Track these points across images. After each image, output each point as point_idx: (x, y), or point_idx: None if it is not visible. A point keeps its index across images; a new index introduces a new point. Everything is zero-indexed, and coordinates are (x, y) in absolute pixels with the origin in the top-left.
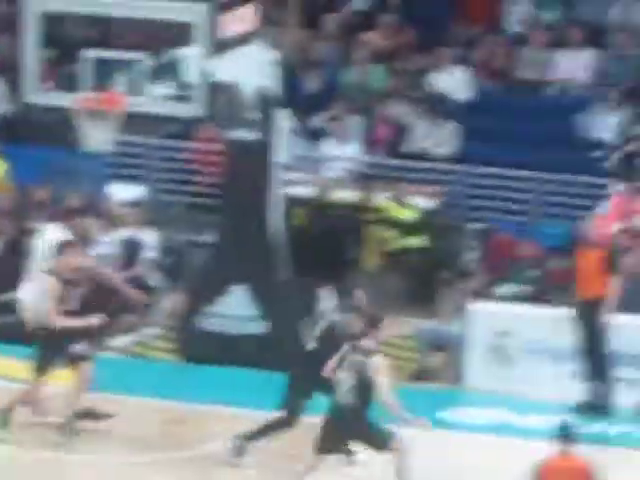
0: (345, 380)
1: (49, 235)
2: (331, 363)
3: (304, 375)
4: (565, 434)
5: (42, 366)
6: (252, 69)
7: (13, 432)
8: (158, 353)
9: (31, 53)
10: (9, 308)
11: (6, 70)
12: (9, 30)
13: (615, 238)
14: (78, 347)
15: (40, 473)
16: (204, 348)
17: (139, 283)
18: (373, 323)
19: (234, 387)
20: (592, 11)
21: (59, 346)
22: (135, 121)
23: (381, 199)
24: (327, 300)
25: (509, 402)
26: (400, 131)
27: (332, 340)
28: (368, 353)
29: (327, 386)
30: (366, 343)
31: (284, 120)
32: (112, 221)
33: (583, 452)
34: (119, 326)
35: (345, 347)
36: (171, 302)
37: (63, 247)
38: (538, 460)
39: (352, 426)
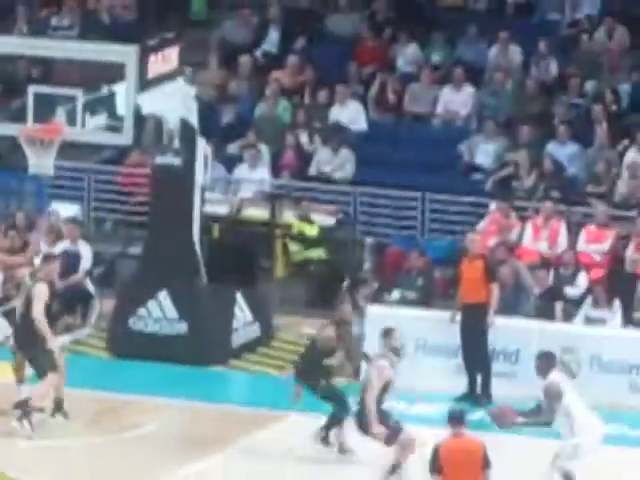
0: None
1: None
2: None
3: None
4: (456, 418)
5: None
6: (175, 103)
7: None
8: (92, 350)
9: None
10: None
11: None
12: None
13: (492, 251)
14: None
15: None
16: (132, 346)
17: (79, 289)
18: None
19: (160, 380)
20: (472, 53)
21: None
22: (72, 148)
23: (287, 216)
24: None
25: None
26: (304, 157)
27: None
28: None
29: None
30: None
31: (203, 148)
32: (54, 235)
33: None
34: (60, 327)
35: None
36: (103, 306)
37: (49, 259)
38: (436, 442)
39: None
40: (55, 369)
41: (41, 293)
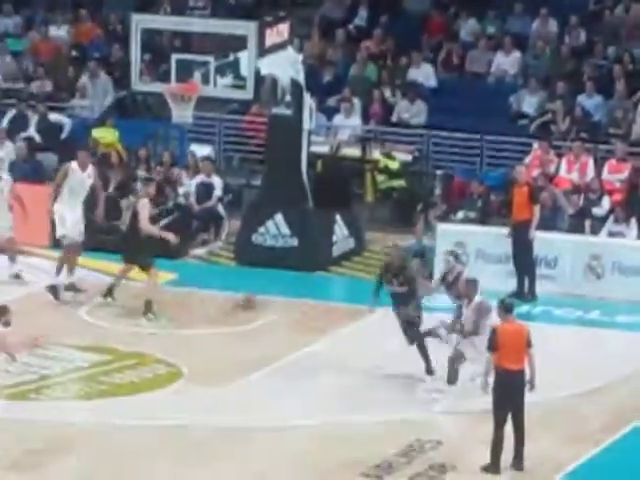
0: None
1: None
2: None
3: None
4: (507, 307)
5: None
6: (286, 66)
7: None
8: (222, 260)
9: (135, 56)
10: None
11: (116, 68)
12: (118, 41)
13: (535, 180)
14: None
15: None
16: (254, 256)
17: (213, 212)
18: None
19: (276, 283)
20: (519, 25)
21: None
22: (207, 102)
23: (375, 154)
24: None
25: None
26: (387, 107)
27: None
28: None
29: None
30: None
31: (308, 101)
32: (192, 170)
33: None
34: (197, 241)
35: None
36: (231, 225)
37: (148, 181)
38: (493, 326)
39: None
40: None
41: (144, 206)
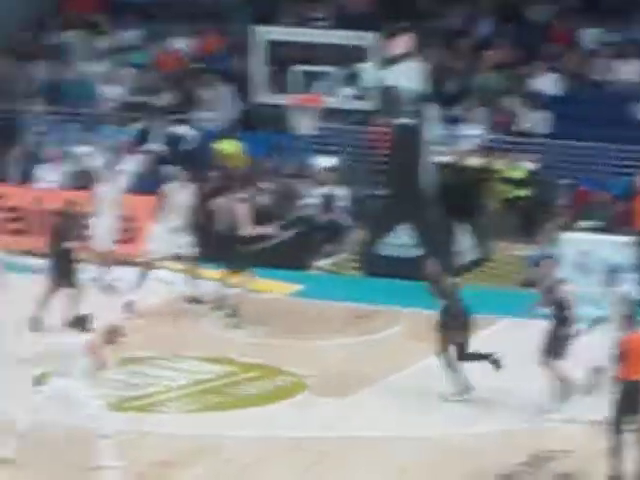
0: None
1: None
2: None
3: None
4: (629, 318)
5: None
6: (409, 77)
7: None
8: (347, 270)
9: (258, 68)
10: None
11: (236, 80)
12: (238, 53)
13: None
14: None
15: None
16: (379, 266)
17: (337, 223)
18: None
19: (401, 293)
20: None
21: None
22: (330, 113)
23: (499, 163)
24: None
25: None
26: (512, 117)
27: None
28: None
29: None
30: None
31: (432, 110)
32: (317, 181)
33: None
34: (322, 253)
35: None
36: (356, 235)
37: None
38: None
39: None
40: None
41: (244, 210)
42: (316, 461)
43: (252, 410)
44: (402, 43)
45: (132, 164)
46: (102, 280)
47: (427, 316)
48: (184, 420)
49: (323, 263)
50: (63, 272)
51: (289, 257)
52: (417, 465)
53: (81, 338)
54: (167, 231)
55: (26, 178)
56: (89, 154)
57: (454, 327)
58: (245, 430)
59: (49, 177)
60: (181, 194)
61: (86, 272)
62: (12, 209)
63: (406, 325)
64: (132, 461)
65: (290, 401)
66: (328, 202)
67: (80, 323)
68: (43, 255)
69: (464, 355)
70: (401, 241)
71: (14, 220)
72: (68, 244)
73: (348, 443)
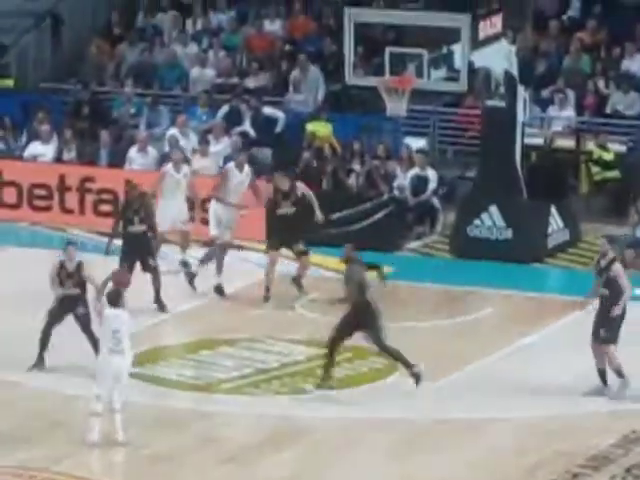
0: None
1: None
2: None
3: None
4: None
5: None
6: (500, 58)
7: None
8: (438, 252)
9: (349, 50)
10: None
11: (329, 62)
12: (331, 35)
13: None
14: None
15: None
16: (469, 249)
17: (428, 205)
18: None
19: (491, 275)
20: None
21: None
22: (421, 95)
23: (589, 145)
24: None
25: None
26: (601, 99)
27: None
28: None
29: None
30: None
31: (522, 92)
32: (407, 163)
33: None
34: (413, 234)
35: None
36: (446, 218)
37: None
38: None
39: None
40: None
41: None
42: (408, 442)
43: (344, 392)
44: (493, 24)
45: (222, 146)
46: (178, 261)
47: (519, 298)
48: (277, 402)
49: (414, 245)
50: (137, 254)
51: (380, 239)
52: (506, 446)
53: (125, 315)
54: (228, 217)
55: (117, 160)
56: (180, 136)
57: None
58: (338, 412)
59: (139, 159)
60: (240, 175)
61: (163, 254)
62: (102, 191)
63: (498, 307)
64: (225, 442)
65: (382, 382)
66: (418, 184)
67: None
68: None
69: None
70: (491, 223)
71: (103, 202)
72: (136, 227)
73: (439, 425)
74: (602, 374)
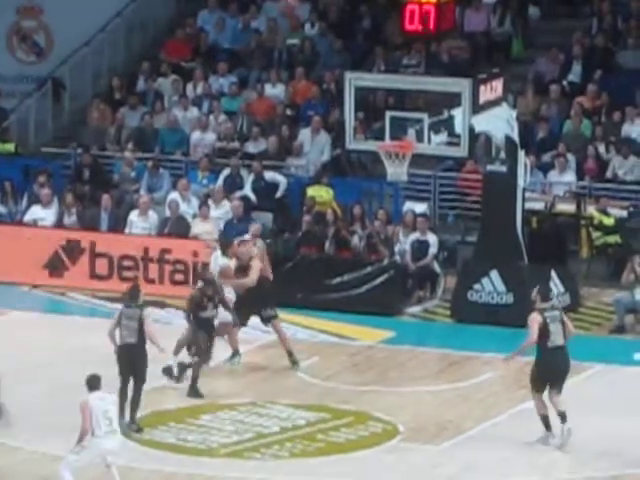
0: None
1: None
2: None
3: None
4: None
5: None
6: (500, 123)
7: None
8: (439, 317)
9: (350, 114)
10: None
11: (328, 127)
12: (332, 100)
13: None
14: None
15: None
16: (470, 313)
17: (428, 269)
18: None
19: (492, 340)
20: None
21: None
22: (421, 160)
23: (590, 210)
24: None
25: None
26: (601, 164)
27: None
28: None
29: None
30: None
31: (523, 157)
32: (408, 227)
33: None
34: (413, 299)
35: None
36: (447, 282)
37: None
38: None
39: None
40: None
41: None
42: None
43: (344, 456)
44: (494, 89)
45: (223, 211)
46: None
47: (519, 362)
48: (277, 467)
49: (414, 309)
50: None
51: (380, 303)
52: None
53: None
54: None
55: (117, 225)
56: (180, 200)
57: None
58: (337, 477)
59: (140, 224)
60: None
61: None
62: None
63: (498, 372)
64: None
65: (381, 447)
66: (419, 248)
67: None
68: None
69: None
70: (492, 288)
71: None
72: (206, 313)
73: None
74: (545, 420)
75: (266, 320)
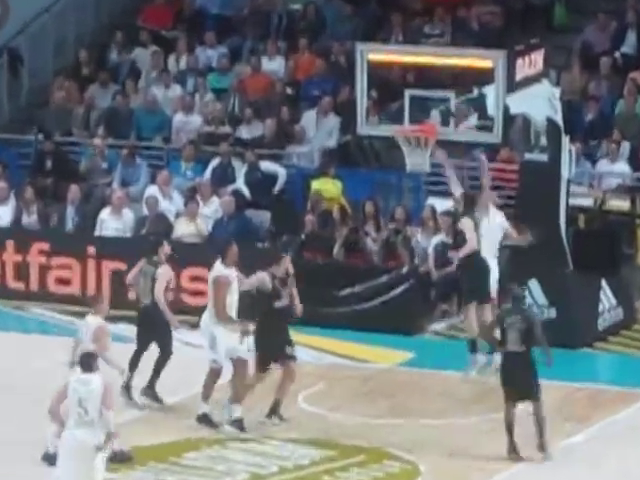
0: None
1: None
2: None
3: None
4: None
5: None
6: (541, 103)
7: None
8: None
9: (362, 93)
10: None
11: (335, 108)
12: (340, 76)
13: None
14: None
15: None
16: None
17: (454, 279)
18: None
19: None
20: None
21: None
22: (446, 147)
23: None
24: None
25: None
26: None
27: None
28: None
29: None
30: None
31: (567, 144)
32: (430, 228)
33: None
34: (437, 313)
35: None
36: None
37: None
38: None
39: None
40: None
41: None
42: None
43: None
44: (532, 62)
45: (211, 209)
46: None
47: (563, 389)
48: None
49: (438, 326)
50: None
51: (398, 319)
52: None
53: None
54: None
55: (85, 223)
56: (160, 197)
57: None
58: None
59: (112, 223)
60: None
61: None
62: None
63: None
64: None
65: None
66: (444, 253)
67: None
68: None
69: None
70: (531, 300)
71: None
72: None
73: None
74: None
75: (287, 358)
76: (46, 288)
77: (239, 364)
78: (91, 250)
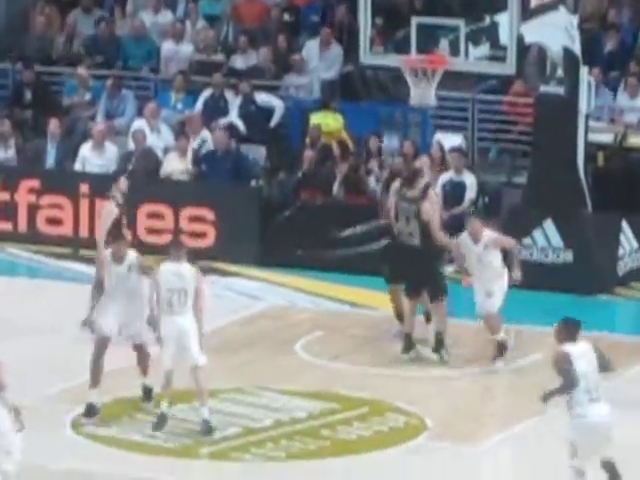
0: None
1: None
2: None
3: None
4: None
5: None
6: (557, 32)
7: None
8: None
9: (365, 20)
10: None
11: (337, 36)
12: (345, 2)
13: None
14: None
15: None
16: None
17: (464, 219)
18: None
19: (546, 309)
20: None
21: None
22: (455, 78)
23: None
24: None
25: None
26: None
27: None
28: None
29: None
30: None
31: (585, 76)
32: (438, 165)
33: None
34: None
35: None
36: None
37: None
38: None
39: None
40: None
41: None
42: None
43: (355, 458)
44: None
45: (204, 143)
46: None
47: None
48: (269, 471)
49: (446, 269)
50: None
51: None
52: None
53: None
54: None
55: (66, 159)
56: (148, 130)
57: None
58: None
59: (94, 159)
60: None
61: None
62: None
63: (551, 352)
64: None
65: (403, 447)
66: (453, 192)
67: None
68: None
69: None
70: (546, 243)
71: None
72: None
73: None
74: None
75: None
76: (35, 229)
77: None
78: (84, 188)
